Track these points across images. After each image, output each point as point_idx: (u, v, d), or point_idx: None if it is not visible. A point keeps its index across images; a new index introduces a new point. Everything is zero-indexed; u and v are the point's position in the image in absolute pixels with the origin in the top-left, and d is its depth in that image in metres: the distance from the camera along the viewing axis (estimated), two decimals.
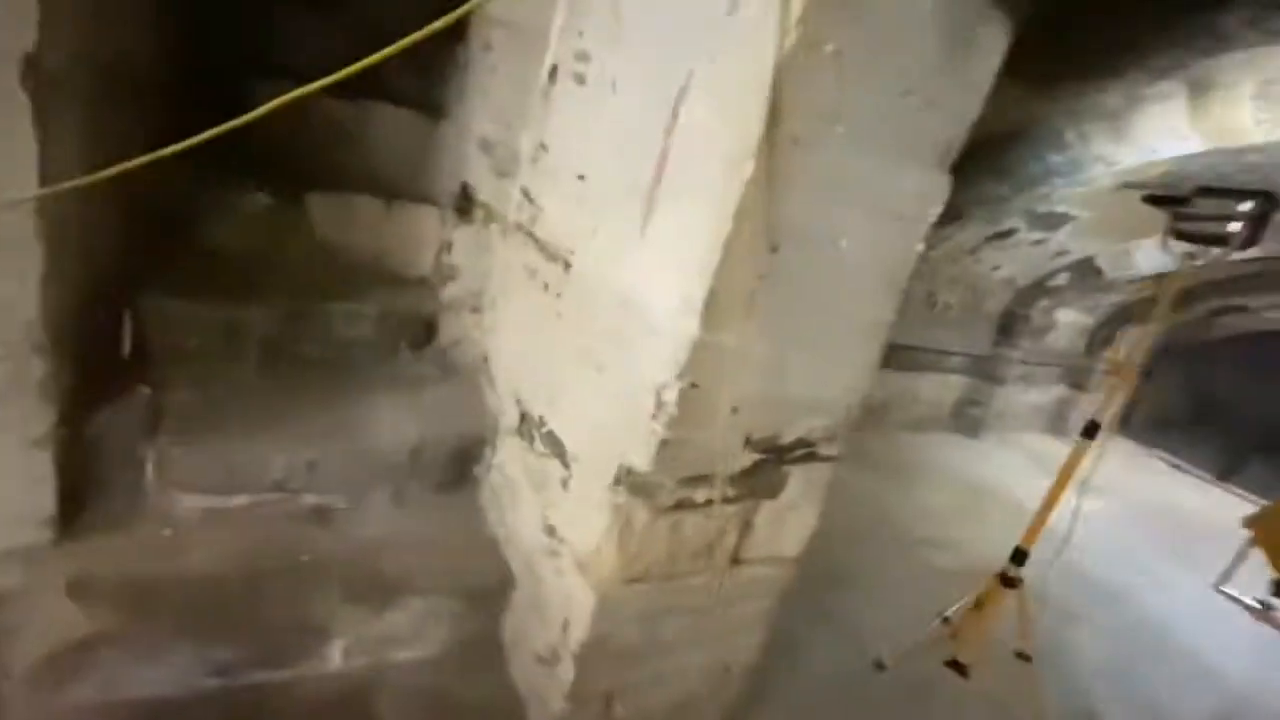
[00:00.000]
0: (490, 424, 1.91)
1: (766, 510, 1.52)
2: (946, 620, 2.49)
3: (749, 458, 1.40)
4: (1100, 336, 6.57)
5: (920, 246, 1.44)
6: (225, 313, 1.73)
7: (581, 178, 1.62)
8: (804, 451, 1.50)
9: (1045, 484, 2.42)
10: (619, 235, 1.44)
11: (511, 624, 1.70)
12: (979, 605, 2.48)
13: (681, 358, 1.21)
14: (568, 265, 1.64)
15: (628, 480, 1.33)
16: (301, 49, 2.39)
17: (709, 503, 1.39)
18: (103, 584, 1.38)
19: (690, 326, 1.20)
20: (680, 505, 1.36)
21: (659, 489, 1.31)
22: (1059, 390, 6.70)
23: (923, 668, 2.41)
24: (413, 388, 1.96)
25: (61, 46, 1.11)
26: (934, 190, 1.37)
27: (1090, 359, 6.62)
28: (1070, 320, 6.15)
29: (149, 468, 1.51)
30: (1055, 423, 6.70)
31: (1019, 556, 2.42)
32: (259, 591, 1.51)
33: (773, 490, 1.51)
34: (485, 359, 2.06)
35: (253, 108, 2.18)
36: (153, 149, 1.84)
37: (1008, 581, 2.43)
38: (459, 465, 1.89)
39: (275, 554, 1.58)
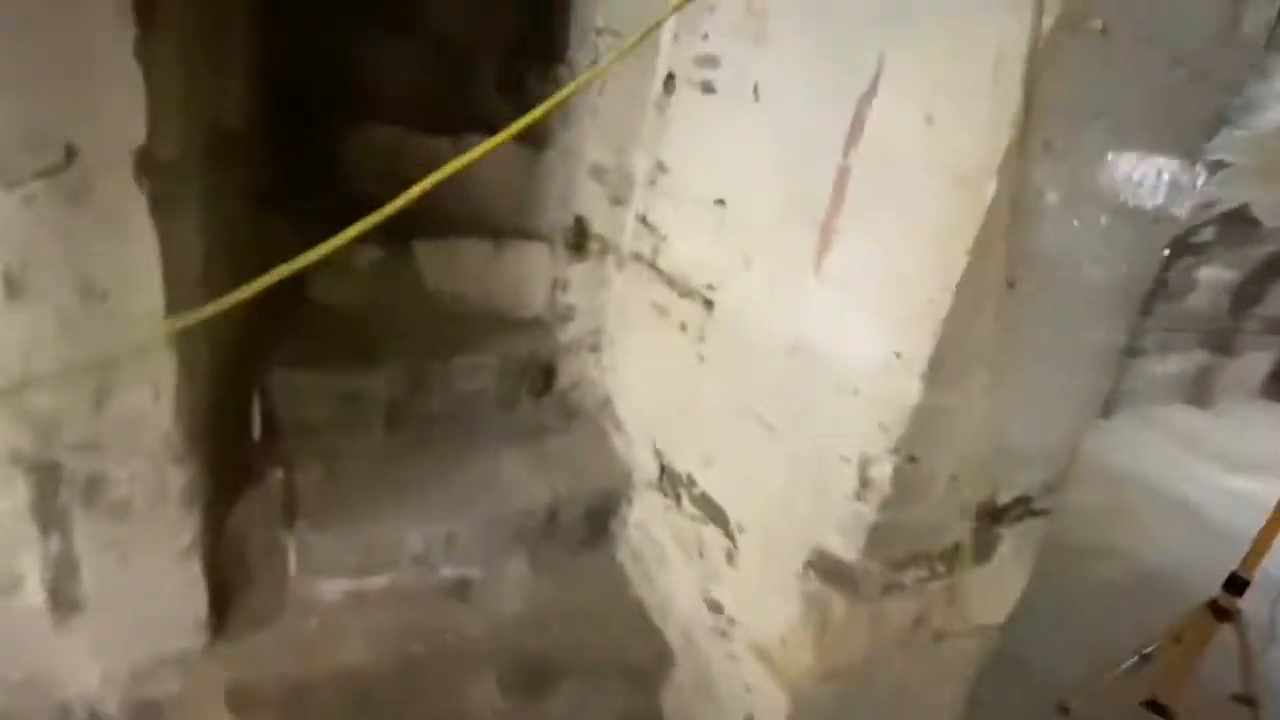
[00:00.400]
0: (623, 475, 1.75)
1: (975, 577, 1.29)
2: (1146, 657, 2.16)
3: (963, 527, 1.17)
4: (1248, 294, 5.80)
5: (1166, 251, 1.15)
6: (349, 381, 1.64)
7: (720, 202, 1.41)
8: (1021, 510, 1.25)
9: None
10: (782, 271, 1.22)
11: (674, 705, 1.54)
12: (1178, 638, 2.14)
13: (896, 427, 0.99)
14: (708, 303, 1.44)
15: (822, 565, 1.13)
16: (382, 78, 2.30)
17: (919, 582, 1.17)
18: (259, 688, 1.31)
19: (908, 389, 0.97)
20: (886, 590, 1.15)
21: (864, 577, 1.10)
22: (1200, 356, 5.96)
23: (1115, 712, 2.10)
24: (537, 439, 1.82)
25: (171, 136, 1.00)
26: (1187, 179, 1.08)
27: (1236, 319, 5.86)
28: (1213, 278, 5.43)
29: (290, 556, 1.44)
30: (1197, 392, 5.98)
31: (1237, 585, 2.06)
32: (413, 683, 1.41)
33: (984, 555, 1.27)
34: (608, 401, 1.90)
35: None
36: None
37: (1220, 613, 2.07)
38: (594, 522, 1.75)
39: (423, 636, 1.48)
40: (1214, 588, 2.05)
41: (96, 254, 0.95)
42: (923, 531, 1.11)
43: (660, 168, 1.67)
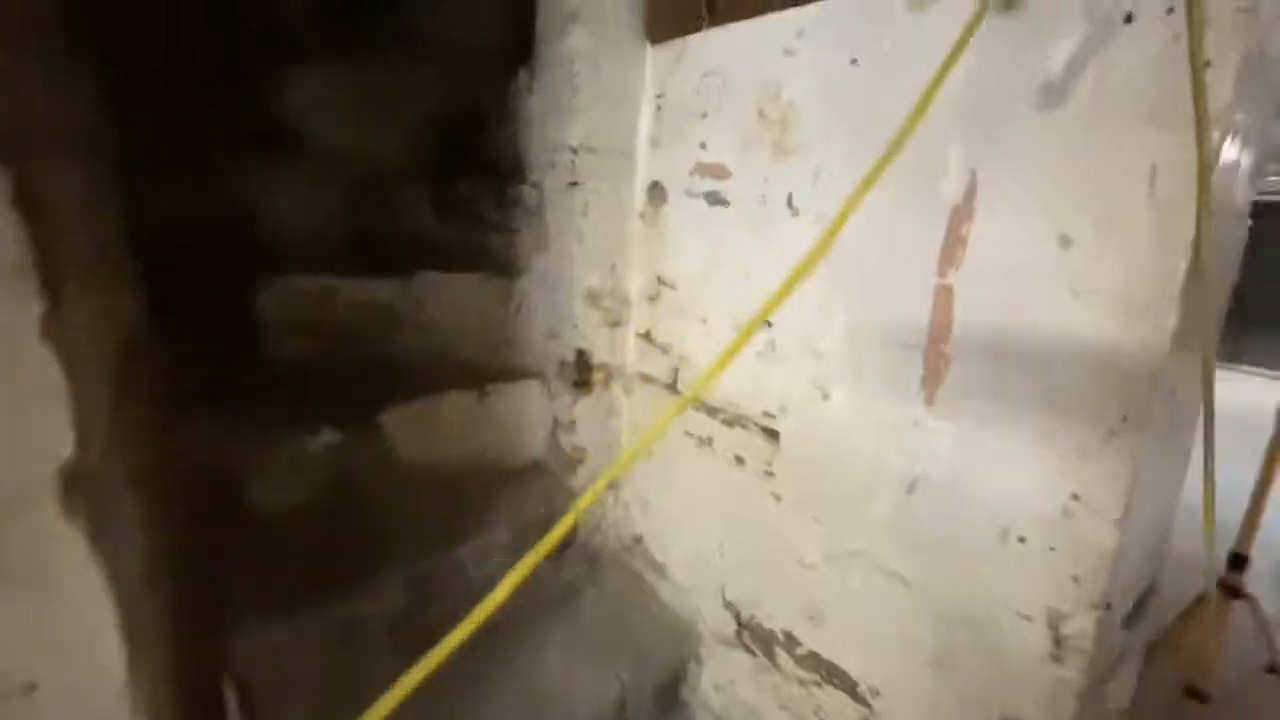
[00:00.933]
0: (682, 632, 1.52)
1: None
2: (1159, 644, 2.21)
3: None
4: None
5: None
6: (338, 612, 1.29)
7: (766, 324, 1.25)
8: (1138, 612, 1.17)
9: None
10: (879, 401, 1.08)
11: None
12: (1191, 619, 2.22)
13: (1092, 579, 0.87)
14: (770, 434, 1.27)
15: None
16: (283, 214, 1.96)
17: None
18: None
19: (1101, 537, 0.85)
20: None
21: None
22: None
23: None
24: (569, 607, 1.54)
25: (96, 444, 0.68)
26: None
27: None
28: None
29: None
30: None
31: (1238, 562, 2.18)
32: None
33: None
34: (638, 540, 1.67)
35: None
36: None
37: (1232, 591, 2.18)
38: (664, 699, 1.49)
39: None
40: None
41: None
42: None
43: (662, 283, 1.49)
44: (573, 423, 1.56)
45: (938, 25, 0.94)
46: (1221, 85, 0.71)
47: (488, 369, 1.61)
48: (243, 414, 1.44)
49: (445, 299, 1.63)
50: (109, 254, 1.05)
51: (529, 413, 1.62)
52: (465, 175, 1.74)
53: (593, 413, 1.58)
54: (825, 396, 1.16)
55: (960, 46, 0.75)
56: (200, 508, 1.36)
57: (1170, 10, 0.73)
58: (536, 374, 1.60)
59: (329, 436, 1.46)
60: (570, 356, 1.52)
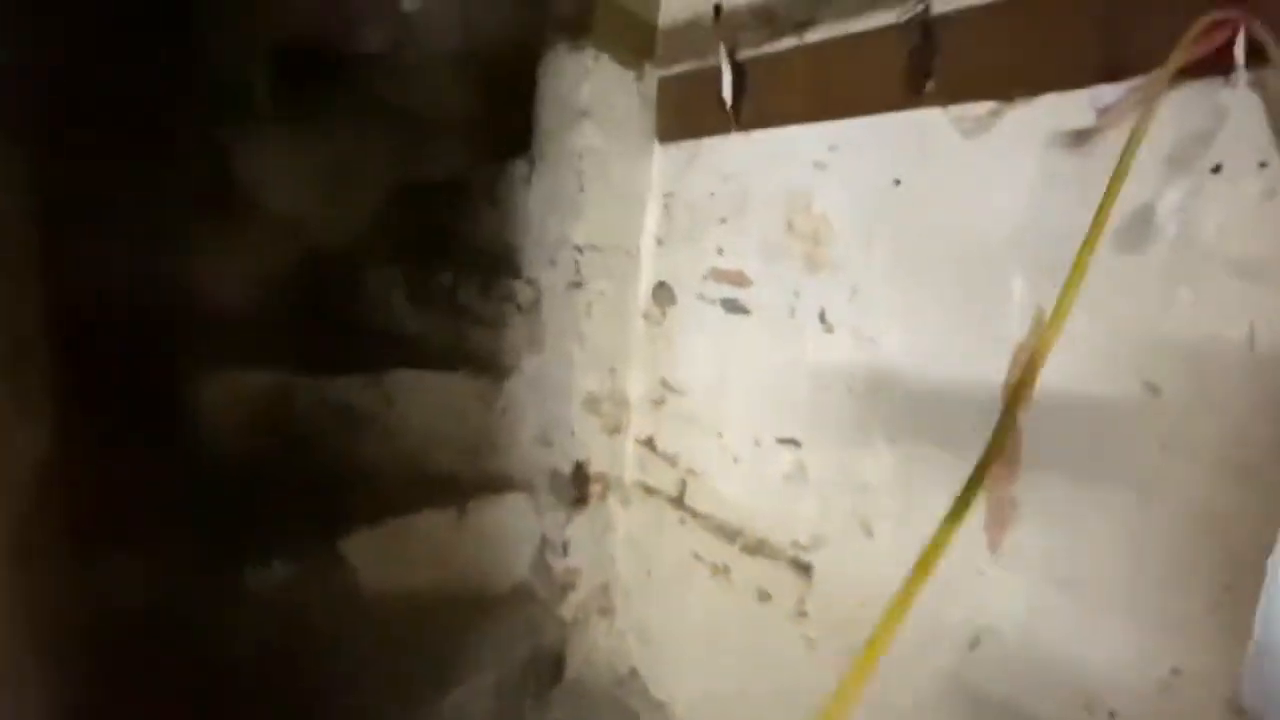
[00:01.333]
0: None
1: None
2: None
3: None
4: None
5: None
6: None
7: (791, 442, 1.16)
8: None
9: None
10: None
11: None
12: None
13: None
14: (802, 568, 1.15)
15: None
16: (225, 293, 1.77)
17: None
18: None
19: (1202, 712, 0.76)
20: None
21: None
22: None
23: None
24: None
25: None
26: None
27: None
28: None
29: None
30: None
31: None
32: None
33: None
34: (633, 674, 1.49)
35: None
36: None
37: None
38: None
39: None
40: None
41: None
42: None
43: (668, 388, 1.38)
44: (565, 543, 1.39)
45: (993, 152, 0.91)
46: None
47: (468, 480, 1.43)
48: (178, 543, 1.21)
49: (420, 400, 1.45)
50: (13, 351, 0.85)
51: (514, 529, 1.44)
52: (448, 262, 1.60)
53: (588, 530, 1.42)
54: (868, 534, 1.06)
55: (1124, 167, 0.70)
56: (126, 664, 1.10)
57: (1263, 165, 0.71)
58: (523, 485, 1.44)
59: (282, 569, 1.24)
60: (565, 467, 1.37)
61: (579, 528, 1.40)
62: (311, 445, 1.42)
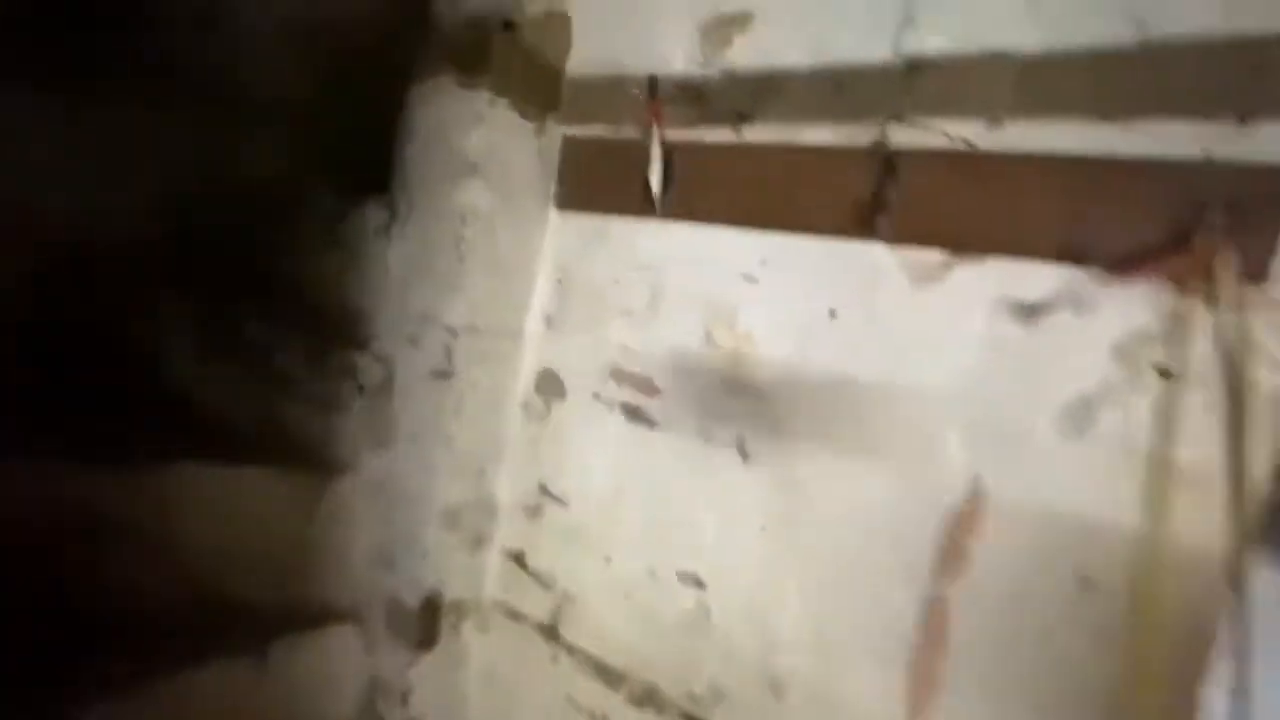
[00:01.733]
0: None
1: None
2: None
3: None
4: None
5: None
6: None
7: (693, 581, 1.02)
8: None
9: None
10: (853, 711, 0.90)
11: None
12: None
13: None
14: None
15: None
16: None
17: None
18: None
19: None
20: None
21: None
22: None
23: None
24: None
25: None
26: None
27: None
28: None
29: None
30: None
31: None
32: None
33: None
34: None
35: None
36: None
37: None
38: None
39: None
40: None
41: None
42: None
43: (548, 495, 1.18)
44: (405, 691, 1.12)
45: (941, 305, 0.85)
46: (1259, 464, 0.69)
47: (273, 613, 1.08)
48: None
49: (208, 502, 1.08)
50: None
51: (335, 674, 1.12)
52: (262, 308, 1.23)
53: (435, 672, 1.15)
54: (778, 696, 0.95)
55: None
56: None
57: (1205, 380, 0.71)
58: (351, 616, 1.13)
59: None
60: (410, 598, 1.09)
61: (425, 671, 1.13)
62: (32, 573, 0.98)
